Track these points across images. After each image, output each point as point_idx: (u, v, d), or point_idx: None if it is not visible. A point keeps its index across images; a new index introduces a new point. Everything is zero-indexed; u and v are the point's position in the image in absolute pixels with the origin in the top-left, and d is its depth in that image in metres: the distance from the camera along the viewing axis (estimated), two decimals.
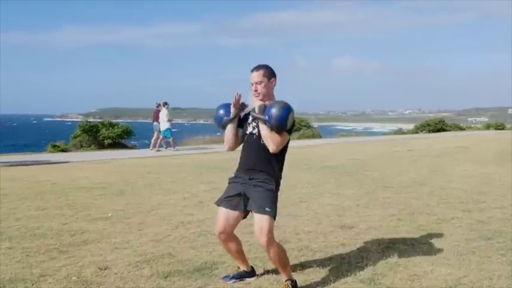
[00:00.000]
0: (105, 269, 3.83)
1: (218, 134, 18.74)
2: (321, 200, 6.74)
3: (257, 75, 3.36)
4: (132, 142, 25.04)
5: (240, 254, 3.58)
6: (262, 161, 3.34)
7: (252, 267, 3.67)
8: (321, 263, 3.97)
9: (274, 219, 3.30)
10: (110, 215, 5.85)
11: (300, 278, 3.59)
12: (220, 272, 3.68)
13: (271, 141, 3.26)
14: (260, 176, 3.33)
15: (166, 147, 16.91)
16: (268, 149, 3.29)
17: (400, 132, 38.00)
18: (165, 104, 16.27)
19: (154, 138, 16.58)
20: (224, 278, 3.58)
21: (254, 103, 3.38)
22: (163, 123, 15.97)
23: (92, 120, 27.32)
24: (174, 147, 16.72)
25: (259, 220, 3.24)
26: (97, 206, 6.40)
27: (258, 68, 3.39)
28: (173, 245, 4.51)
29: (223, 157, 13.70)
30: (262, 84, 3.35)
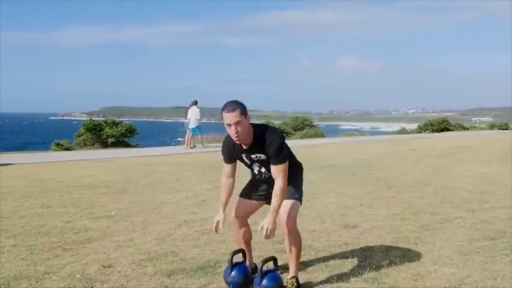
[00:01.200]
0: (109, 267, 3.84)
1: (221, 133, 18.78)
2: (324, 199, 6.74)
3: (234, 116, 3.12)
4: (135, 141, 25.08)
5: (248, 246, 3.63)
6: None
7: (255, 264, 3.66)
8: (324, 262, 3.97)
9: (301, 203, 3.41)
10: (113, 213, 5.87)
11: (303, 277, 3.58)
12: (223, 271, 3.68)
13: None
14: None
15: (193, 145, 17.39)
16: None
17: (403, 131, 37.94)
18: (196, 102, 16.95)
19: (188, 136, 17.35)
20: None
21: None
22: (193, 121, 16.65)
23: (95, 118, 27.37)
24: (201, 143, 17.57)
25: (286, 204, 3.28)
26: (101, 204, 6.42)
27: (231, 107, 3.15)
28: (176, 244, 4.52)
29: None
30: (241, 125, 3.15)
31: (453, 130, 38.11)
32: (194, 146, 17.05)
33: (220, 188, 3.58)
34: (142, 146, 22.77)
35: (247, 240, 3.64)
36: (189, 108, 17.02)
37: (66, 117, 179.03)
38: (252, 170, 3.46)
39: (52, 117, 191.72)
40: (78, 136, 22.30)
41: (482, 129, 45.05)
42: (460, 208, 6.15)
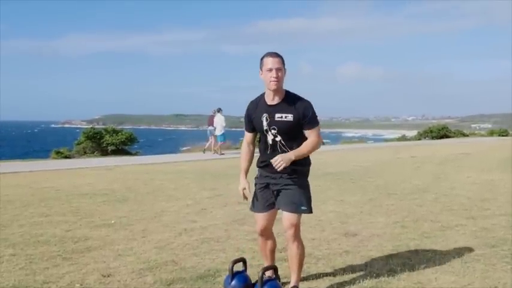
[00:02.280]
0: (109, 276, 3.83)
1: (221, 141, 18.86)
2: (324, 207, 6.73)
3: (278, 62, 3.20)
4: (135, 148, 25.08)
5: (272, 254, 3.62)
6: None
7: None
8: (324, 270, 3.96)
9: (311, 211, 3.36)
10: (113, 221, 5.85)
11: (303, 285, 3.57)
12: (223, 280, 3.67)
13: (314, 147, 3.26)
14: (292, 169, 3.24)
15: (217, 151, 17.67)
16: (296, 139, 3.26)
17: (403, 138, 37.93)
18: (220, 110, 17.32)
19: (210, 142, 17.82)
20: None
21: (269, 99, 3.27)
22: (219, 128, 17.04)
23: (96, 126, 27.39)
24: (219, 151, 17.68)
25: (290, 216, 3.26)
26: (100, 213, 6.41)
27: (277, 54, 3.24)
28: (176, 252, 4.50)
29: (227, 164, 13.71)
30: (282, 73, 3.21)
31: (453, 137, 38.10)
32: (223, 154, 17.34)
33: (241, 156, 3.53)
34: (142, 154, 22.78)
35: (273, 249, 3.61)
36: (213, 116, 17.46)
37: (67, 125, 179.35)
38: (266, 139, 3.32)
39: (53, 125, 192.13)
40: (78, 144, 22.31)
41: (482, 135, 45.07)
42: (460, 215, 6.14)
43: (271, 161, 3.19)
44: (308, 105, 3.25)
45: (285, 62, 3.26)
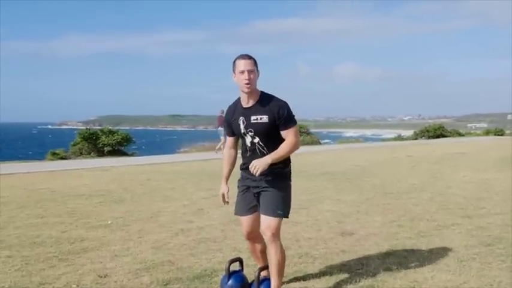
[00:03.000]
0: (105, 277, 3.82)
1: (217, 141, 18.88)
2: (321, 207, 6.74)
3: (250, 63, 3.17)
4: (132, 148, 25.05)
5: (263, 254, 3.52)
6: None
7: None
8: (321, 269, 3.96)
9: (287, 217, 3.28)
10: (109, 222, 5.84)
11: (299, 285, 3.58)
12: (219, 279, 3.67)
13: (291, 149, 3.20)
14: (271, 171, 3.19)
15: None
16: (274, 140, 3.21)
17: (399, 138, 38.02)
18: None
19: (222, 142, 17.66)
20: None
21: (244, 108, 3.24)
22: None
23: (92, 127, 27.35)
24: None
25: (267, 220, 3.20)
26: (96, 214, 6.39)
27: (249, 56, 3.21)
28: (173, 253, 4.50)
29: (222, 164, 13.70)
30: (254, 75, 3.17)
31: (449, 136, 38.24)
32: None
33: (223, 160, 3.54)
34: (138, 155, 22.74)
35: (263, 250, 3.51)
36: (221, 116, 17.54)
37: (63, 126, 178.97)
38: (245, 141, 3.30)
39: (49, 126, 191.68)
40: (74, 145, 22.26)
41: (478, 135, 45.22)
42: (456, 214, 6.16)
43: (249, 166, 3.17)
44: (283, 105, 3.19)
45: (258, 64, 3.22)
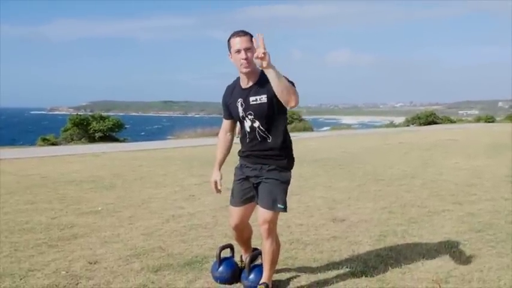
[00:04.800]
0: (95, 263, 3.79)
1: (209, 127, 18.76)
2: (312, 193, 6.74)
3: (246, 40, 2.90)
4: (123, 135, 24.92)
5: (249, 241, 3.46)
6: (274, 140, 3.06)
7: (254, 248, 3.54)
8: (312, 255, 3.96)
9: (286, 210, 3.09)
10: (100, 208, 5.80)
11: (291, 271, 3.58)
12: (210, 266, 3.65)
13: (291, 90, 2.80)
14: (272, 159, 3.06)
15: None
16: (275, 123, 3.01)
17: (391, 125, 38.15)
18: None
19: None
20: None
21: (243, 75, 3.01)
22: None
23: (83, 113, 27.14)
24: None
25: (264, 213, 3.05)
26: (87, 200, 6.35)
27: (244, 32, 2.94)
28: (164, 239, 4.48)
29: (215, 150, 13.67)
30: (251, 52, 2.87)
31: (440, 123, 38.42)
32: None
33: (217, 145, 3.33)
34: (130, 141, 22.63)
35: (248, 237, 3.44)
36: None
37: (55, 112, 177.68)
38: (243, 126, 3.10)
39: (41, 112, 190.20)
40: (65, 131, 22.11)
41: (469, 122, 45.49)
42: (447, 201, 6.18)
43: (248, 154, 3.04)
44: None
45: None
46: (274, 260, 3.17)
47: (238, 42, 2.92)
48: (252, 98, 3.00)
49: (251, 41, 2.89)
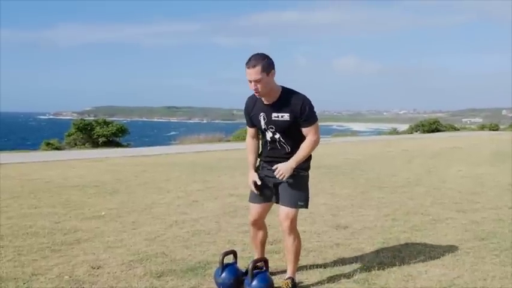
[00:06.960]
0: (98, 268, 3.80)
1: (212, 133, 18.78)
2: (316, 200, 6.72)
3: (254, 72, 3.08)
4: (127, 140, 24.96)
5: (262, 246, 3.64)
6: (292, 149, 3.32)
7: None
8: (315, 262, 3.95)
9: (307, 207, 3.42)
10: (103, 213, 5.81)
11: None
12: (213, 272, 3.65)
13: (313, 147, 3.31)
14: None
15: None
16: (295, 136, 3.28)
17: (394, 132, 38.09)
18: None
19: None
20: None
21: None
22: None
23: (86, 118, 27.23)
24: None
25: (286, 210, 3.30)
26: (90, 205, 6.36)
27: (254, 62, 3.09)
28: (167, 244, 4.48)
29: (218, 156, 13.68)
30: (262, 82, 3.10)
31: (444, 131, 38.32)
32: None
33: (247, 150, 3.56)
34: (133, 146, 22.67)
35: (264, 240, 3.64)
36: None
37: (59, 117, 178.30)
38: (265, 136, 3.36)
39: (46, 116, 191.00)
40: (69, 136, 22.16)
41: (473, 130, 45.35)
42: (451, 209, 6.17)
43: (272, 169, 3.27)
44: (305, 101, 3.19)
45: (270, 65, 3.12)
46: (297, 255, 3.41)
47: (248, 74, 3.14)
48: (274, 114, 3.24)
49: (261, 71, 3.09)
